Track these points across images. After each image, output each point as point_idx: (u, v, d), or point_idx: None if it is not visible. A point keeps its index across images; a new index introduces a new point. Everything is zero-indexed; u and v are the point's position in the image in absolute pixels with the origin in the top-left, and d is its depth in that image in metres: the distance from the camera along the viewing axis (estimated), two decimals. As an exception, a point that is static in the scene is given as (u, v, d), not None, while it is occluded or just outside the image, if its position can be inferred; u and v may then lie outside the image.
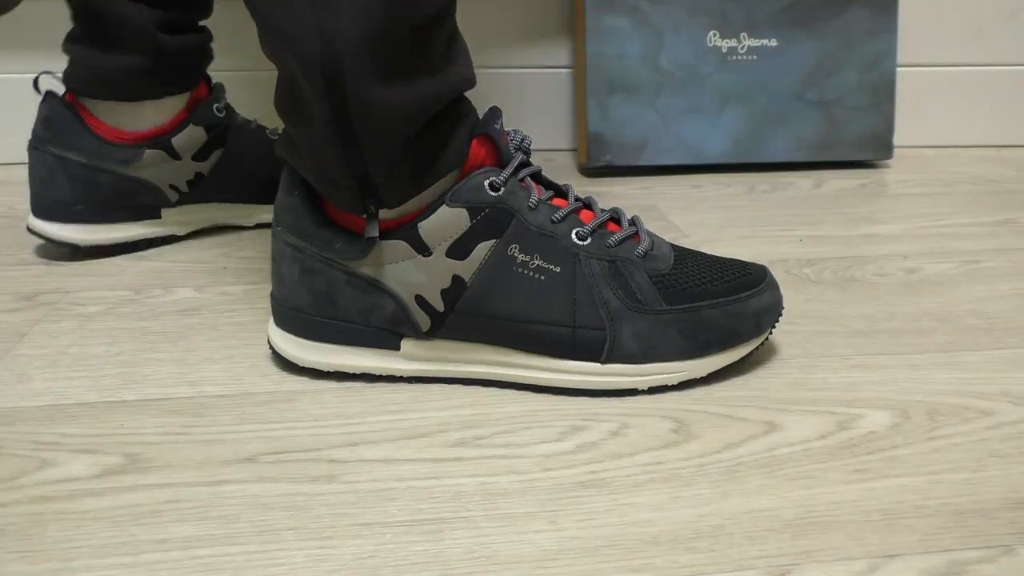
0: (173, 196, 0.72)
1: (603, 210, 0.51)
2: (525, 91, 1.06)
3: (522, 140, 0.50)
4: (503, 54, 1.05)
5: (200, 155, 0.71)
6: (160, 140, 0.70)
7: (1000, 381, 0.51)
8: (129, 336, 0.56)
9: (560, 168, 1.01)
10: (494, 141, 0.49)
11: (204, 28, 0.75)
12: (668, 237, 0.75)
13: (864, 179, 0.96)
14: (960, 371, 0.52)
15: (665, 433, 0.45)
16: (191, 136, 0.71)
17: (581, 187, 0.92)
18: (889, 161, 1.02)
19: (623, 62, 0.95)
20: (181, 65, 0.71)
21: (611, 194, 0.89)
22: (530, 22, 1.04)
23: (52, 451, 0.44)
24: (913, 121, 1.09)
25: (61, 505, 0.39)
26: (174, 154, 0.70)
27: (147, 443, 0.44)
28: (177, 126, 0.71)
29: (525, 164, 0.50)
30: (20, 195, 0.89)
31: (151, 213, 0.72)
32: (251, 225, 0.77)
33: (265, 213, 0.76)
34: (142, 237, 0.72)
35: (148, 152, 0.69)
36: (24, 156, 1.02)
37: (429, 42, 0.45)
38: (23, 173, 0.97)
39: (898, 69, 1.01)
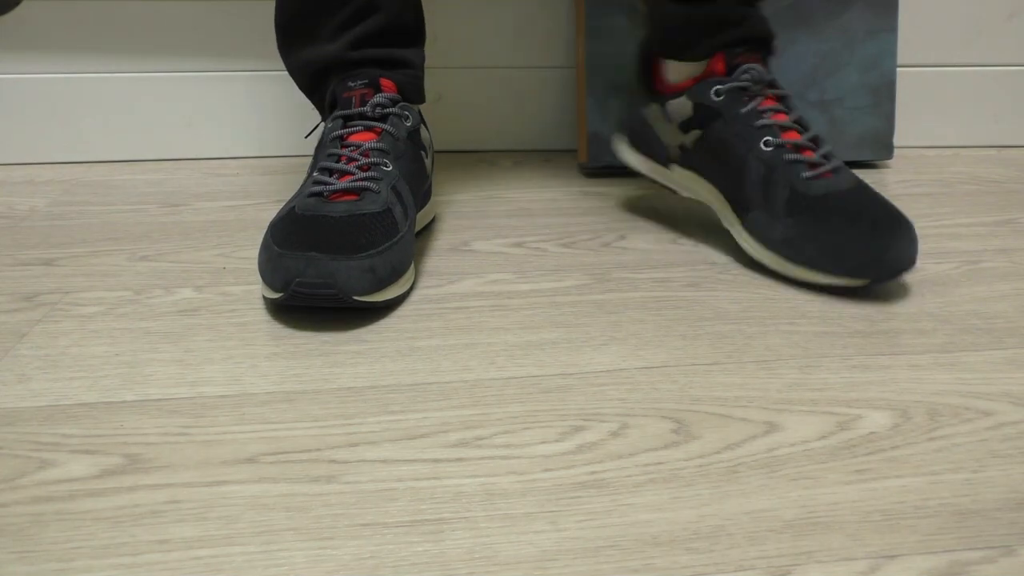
0: (674, 154, 0.74)
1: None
2: (525, 91, 1.06)
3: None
4: (503, 54, 1.05)
5: (684, 127, 0.72)
6: (664, 98, 0.74)
7: (1000, 381, 0.51)
8: (129, 336, 0.56)
9: (560, 168, 1.01)
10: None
11: (715, 5, 0.72)
12: (668, 237, 0.75)
13: (864, 179, 0.96)
14: (960, 371, 0.52)
15: (665, 433, 0.45)
16: (680, 106, 0.72)
17: (581, 187, 0.92)
18: (889, 161, 1.02)
19: (623, 62, 0.95)
20: (679, 34, 0.73)
21: (611, 194, 0.90)
22: (530, 22, 1.04)
23: (52, 451, 0.44)
24: (913, 121, 1.09)
25: (61, 505, 0.39)
26: (667, 116, 0.73)
27: (147, 443, 0.44)
28: (680, 91, 0.73)
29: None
30: (20, 195, 0.89)
31: (664, 162, 0.76)
32: (725, 227, 0.71)
33: (739, 228, 0.69)
34: (657, 179, 0.78)
35: (654, 106, 0.75)
36: (24, 156, 1.02)
37: None
38: (23, 173, 0.97)
39: (898, 69, 1.01)
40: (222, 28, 1.00)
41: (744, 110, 0.67)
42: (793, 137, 0.66)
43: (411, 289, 0.63)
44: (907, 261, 0.59)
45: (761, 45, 0.70)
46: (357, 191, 0.61)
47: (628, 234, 0.77)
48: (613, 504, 0.40)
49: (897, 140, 1.02)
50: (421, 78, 0.75)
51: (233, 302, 0.61)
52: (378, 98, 0.68)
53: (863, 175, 0.98)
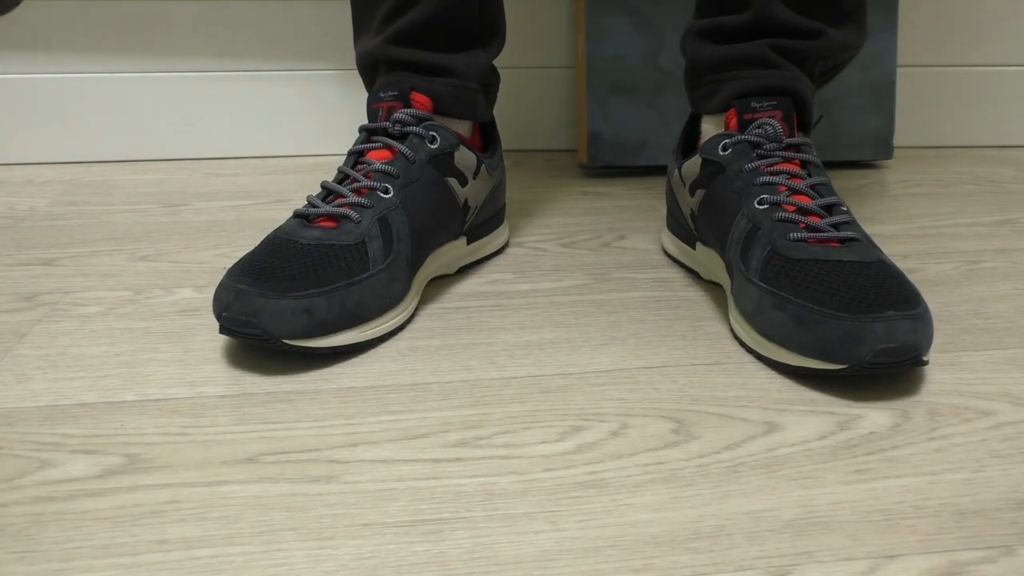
0: (694, 227, 0.67)
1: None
2: (525, 91, 1.06)
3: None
4: (503, 54, 1.05)
5: (692, 188, 0.65)
6: (684, 160, 0.68)
7: (1000, 381, 0.51)
8: (129, 336, 0.56)
9: (560, 168, 1.01)
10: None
11: (742, 46, 0.65)
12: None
13: (864, 179, 0.96)
14: (960, 371, 0.52)
15: (665, 433, 0.45)
16: (691, 166, 0.64)
17: (581, 187, 0.92)
18: (889, 161, 1.02)
19: (623, 62, 0.95)
20: (702, 77, 0.68)
21: (611, 194, 0.90)
22: (530, 22, 1.04)
23: (52, 451, 0.44)
24: (913, 121, 1.09)
25: (61, 505, 0.39)
26: (683, 181, 0.67)
27: (147, 443, 0.44)
28: None
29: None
30: (20, 195, 0.89)
31: (689, 241, 0.69)
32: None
33: (728, 296, 0.60)
34: (683, 262, 0.70)
35: (675, 173, 0.69)
36: (24, 156, 1.02)
37: None
38: (23, 173, 0.97)
39: (898, 69, 1.01)
40: (222, 28, 1.00)
41: (749, 165, 0.58)
42: (802, 200, 0.56)
43: (396, 331, 0.57)
44: (903, 348, 0.46)
45: (787, 102, 0.61)
46: (337, 217, 0.56)
47: (628, 234, 0.77)
48: (613, 504, 0.40)
49: (897, 140, 1.02)
50: (471, 89, 0.67)
51: (233, 302, 0.61)
52: (399, 114, 0.62)
53: (863, 175, 0.98)
